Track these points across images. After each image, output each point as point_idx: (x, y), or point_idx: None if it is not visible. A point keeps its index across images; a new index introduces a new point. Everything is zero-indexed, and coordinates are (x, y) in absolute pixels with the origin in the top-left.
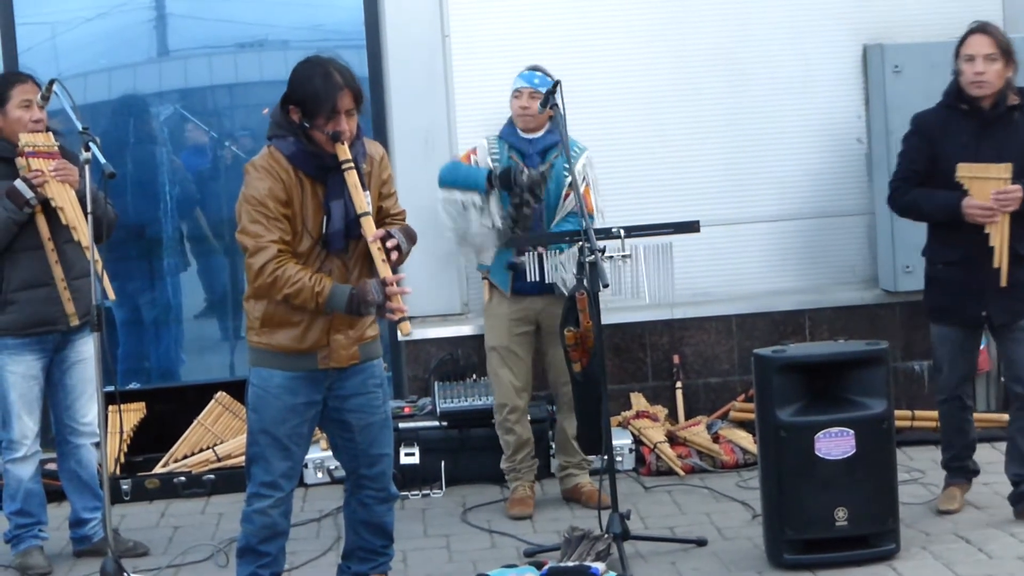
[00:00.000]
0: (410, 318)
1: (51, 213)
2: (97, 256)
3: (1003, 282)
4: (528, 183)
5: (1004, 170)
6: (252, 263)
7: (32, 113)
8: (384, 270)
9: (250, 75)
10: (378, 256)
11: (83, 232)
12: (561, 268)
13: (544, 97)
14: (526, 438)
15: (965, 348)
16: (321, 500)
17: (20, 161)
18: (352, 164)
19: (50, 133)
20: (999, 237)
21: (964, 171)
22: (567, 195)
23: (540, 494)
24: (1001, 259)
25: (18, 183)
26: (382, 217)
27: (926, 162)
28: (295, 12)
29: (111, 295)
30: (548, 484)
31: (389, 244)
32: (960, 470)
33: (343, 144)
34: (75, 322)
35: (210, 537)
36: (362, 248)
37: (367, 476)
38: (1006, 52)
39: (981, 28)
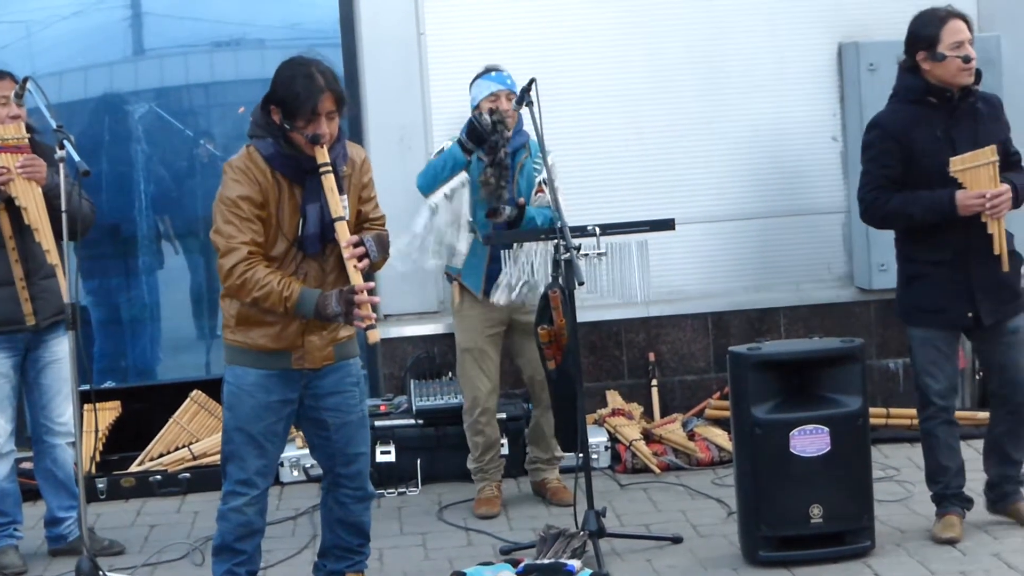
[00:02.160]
0: (386, 316)
1: (15, 211)
2: (57, 260)
3: (1005, 267)
4: (492, 121)
5: (992, 152)
6: (223, 264)
7: (9, 109)
8: (355, 277)
9: (226, 74)
10: (350, 264)
11: (44, 234)
12: (534, 262)
13: (520, 95)
14: (495, 439)
15: (948, 349)
16: (297, 498)
17: None
18: (330, 168)
19: (22, 125)
20: (996, 224)
21: (957, 164)
22: (538, 191)
23: (516, 492)
24: (1000, 246)
25: None
26: (361, 221)
27: (900, 166)
28: (271, 11)
29: (64, 297)
30: (524, 482)
31: (357, 251)
32: (956, 498)
33: (322, 147)
34: (32, 322)
35: (186, 535)
36: (339, 251)
37: (344, 475)
38: (971, 24)
39: (958, 13)
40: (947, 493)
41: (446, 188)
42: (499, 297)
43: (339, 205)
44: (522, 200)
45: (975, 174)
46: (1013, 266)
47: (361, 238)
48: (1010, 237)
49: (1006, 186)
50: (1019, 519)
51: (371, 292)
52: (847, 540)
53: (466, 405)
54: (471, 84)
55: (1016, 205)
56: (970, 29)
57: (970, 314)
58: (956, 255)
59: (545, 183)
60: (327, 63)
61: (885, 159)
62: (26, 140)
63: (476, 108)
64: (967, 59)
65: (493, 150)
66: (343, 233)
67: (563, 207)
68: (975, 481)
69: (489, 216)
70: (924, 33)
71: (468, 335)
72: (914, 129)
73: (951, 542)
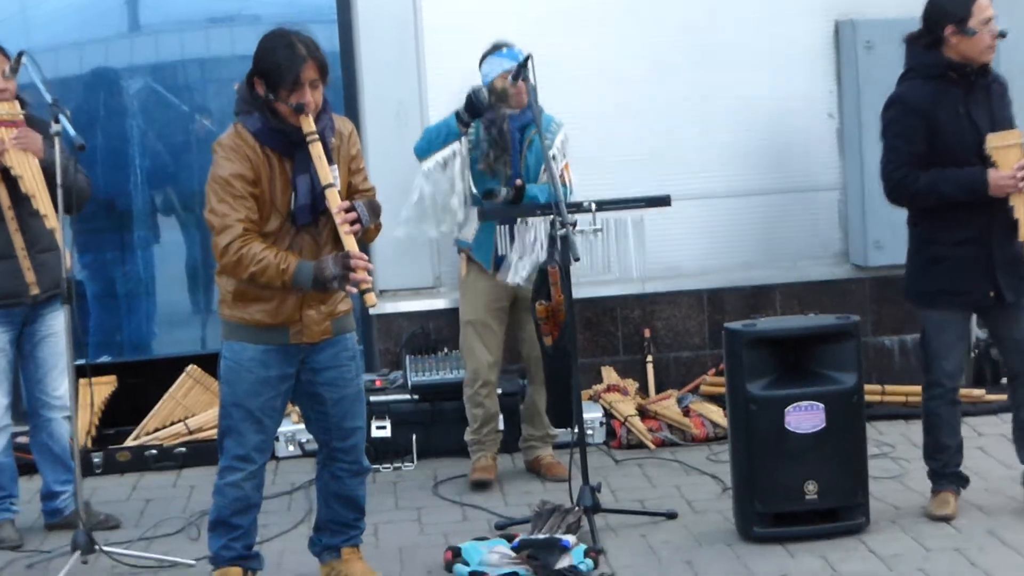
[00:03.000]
0: (382, 291)
1: (12, 183)
2: (56, 224)
3: None
4: (490, 97)
5: (1019, 135)
6: (218, 242)
7: None
8: (349, 243)
9: (221, 50)
10: (342, 229)
11: (41, 200)
12: (536, 231)
13: (516, 70)
14: (493, 412)
15: (962, 331)
16: (293, 473)
17: None
18: (317, 136)
19: (16, 102)
20: (1022, 209)
21: (993, 142)
22: (545, 168)
23: (511, 467)
24: None
25: None
26: (351, 193)
27: (924, 143)
28: None
29: (67, 265)
30: (519, 457)
31: (349, 216)
32: (953, 476)
33: (307, 116)
34: (35, 291)
35: (181, 510)
36: (333, 223)
37: (340, 449)
38: None
39: None
40: (945, 471)
41: (439, 157)
42: (508, 276)
43: (328, 173)
44: (520, 181)
45: (1007, 153)
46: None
47: (352, 203)
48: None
49: None
50: None
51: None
52: (841, 516)
53: (467, 377)
54: (481, 61)
55: None
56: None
57: (991, 292)
58: (980, 233)
59: (555, 158)
60: (310, 34)
61: (911, 135)
62: (20, 115)
63: (490, 84)
64: (1002, 34)
65: (490, 125)
66: (334, 199)
67: (573, 182)
68: (972, 459)
69: (486, 198)
70: (954, 8)
71: (472, 307)
72: (937, 105)
73: (946, 519)
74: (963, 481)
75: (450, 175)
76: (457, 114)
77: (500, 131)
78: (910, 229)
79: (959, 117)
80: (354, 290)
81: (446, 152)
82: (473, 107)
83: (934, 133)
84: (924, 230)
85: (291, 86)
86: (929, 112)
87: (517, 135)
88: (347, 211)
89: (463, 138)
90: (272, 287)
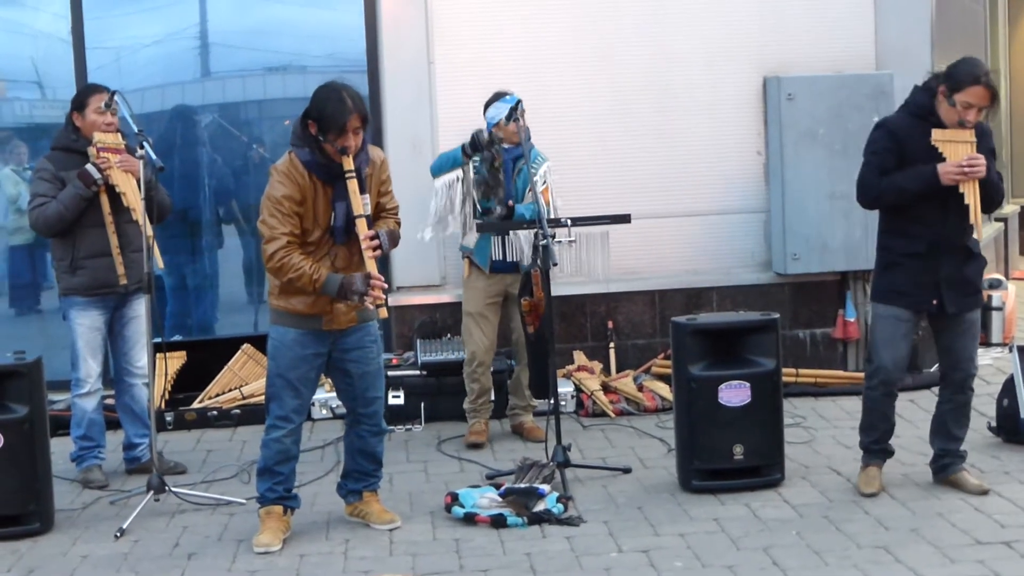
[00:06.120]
0: (399, 287)
1: (113, 197)
2: (150, 232)
3: (978, 234)
4: (488, 139)
5: (971, 135)
6: (266, 249)
7: (105, 118)
8: (370, 265)
9: (275, 93)
10: (367, 253)
11: (139, 212)
12: (521, 242)
13: (509, 112)
14: (487, 387)
15: (907, 330)
16: (325, 432)
17: (91, 150)
18: (354, 174)
19: (119, 134)
20: (972, 196)
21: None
22: (530, 190)
23: (499, 430)
24: (976, 215)
25: (88, 167)
26: (379, 210)
27: (895, 162)
28: (313, 43)
29: (160, 264)
30: (507, 423)
31: (373, 243)
32: (880, 452)
33: (348, 157)
34: (124, 282)
35: (236, 459)
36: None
37: (363, 414)
38: (996, 99)
39: (991, 84)
40: (872, 447)
41: (447, 178)
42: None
43: (360, 205)
44: (511, 203)
45: (955, 147)
46: (977, 266)
47: (377, 232)
48: (975, 242)
49: (981, 156)
50: (959, 487)
51: (383, 279)
52: (762, 473)
53: (466, 357)
54: (487, 105)
55: (990, 185)
56: (994, 102)
57: (935, 302)
58: (928, 250)
59: (538, 183)
60: (355, 88)
61: (884, 154)
62: (123, 145)
63: (495, 126)
64: (962, 124)
65: (488, 160)
66: (362, 228)
67: (558, 204)
68: (899, 437)
69: (484, 215)
70: (956, 77)
71: (472, 302)
72: (911, 136)
73: (873, 496)
74: (888, 454)
75: (452, 194)
76: (463, 147)
77: (493, 167)
78: (877, 239)
79: (928, 149)
80: (371, 306)
81: (451, 176)
82: (475, 144)
83: (903, 157)
84: (884, 240)
85: (338, 132)
86: (903, 140)
87: (510, 164)
88: (372, 238)
89: (466, 166)
90: (304, 292)
